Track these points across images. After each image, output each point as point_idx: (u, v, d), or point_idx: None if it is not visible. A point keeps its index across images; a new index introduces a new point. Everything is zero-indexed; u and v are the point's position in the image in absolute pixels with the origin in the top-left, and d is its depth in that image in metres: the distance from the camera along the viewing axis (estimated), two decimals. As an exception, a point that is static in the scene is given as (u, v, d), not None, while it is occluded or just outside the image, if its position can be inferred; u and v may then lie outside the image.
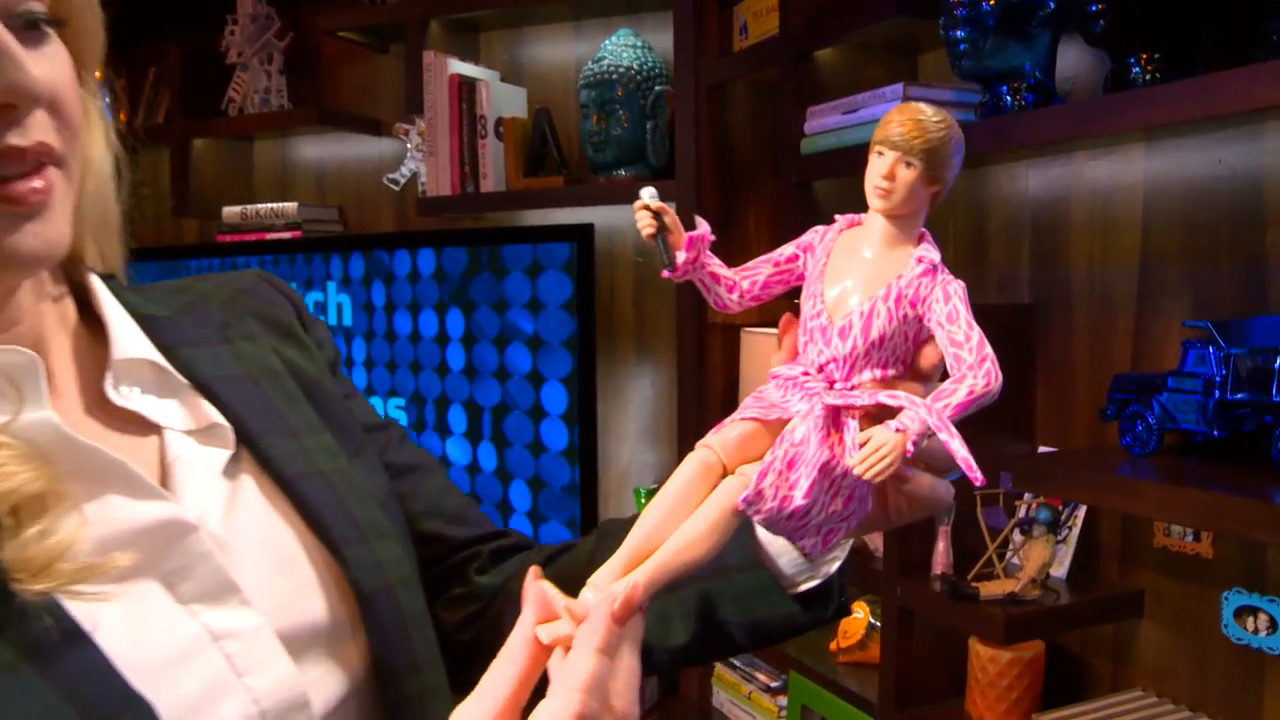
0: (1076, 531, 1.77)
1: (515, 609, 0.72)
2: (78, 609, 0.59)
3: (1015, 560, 1.72)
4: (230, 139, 3.21)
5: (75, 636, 0.59)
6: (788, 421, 0.63)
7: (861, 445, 0.59)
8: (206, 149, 3.17)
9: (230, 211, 3.08)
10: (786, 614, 0.79)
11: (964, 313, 0.62)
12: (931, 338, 0.64)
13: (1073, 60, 1.73)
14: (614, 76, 2.41)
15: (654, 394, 2.73)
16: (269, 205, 3.03)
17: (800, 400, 0.63)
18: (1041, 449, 1.83)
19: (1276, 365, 1.33)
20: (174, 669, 0.63)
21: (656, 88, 2.42)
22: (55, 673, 0.57)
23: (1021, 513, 1.73)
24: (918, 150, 0.62)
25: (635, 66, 2.42)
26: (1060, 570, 1.76)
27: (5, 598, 0.56)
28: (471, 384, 2.62)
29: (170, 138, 3.09)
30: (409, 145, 2.93)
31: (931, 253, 0.64)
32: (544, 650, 0.61)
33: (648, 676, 0.89)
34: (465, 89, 2.61)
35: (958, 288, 0.63)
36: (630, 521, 0.74)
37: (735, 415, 0.65)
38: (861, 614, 2.09)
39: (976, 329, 0.61)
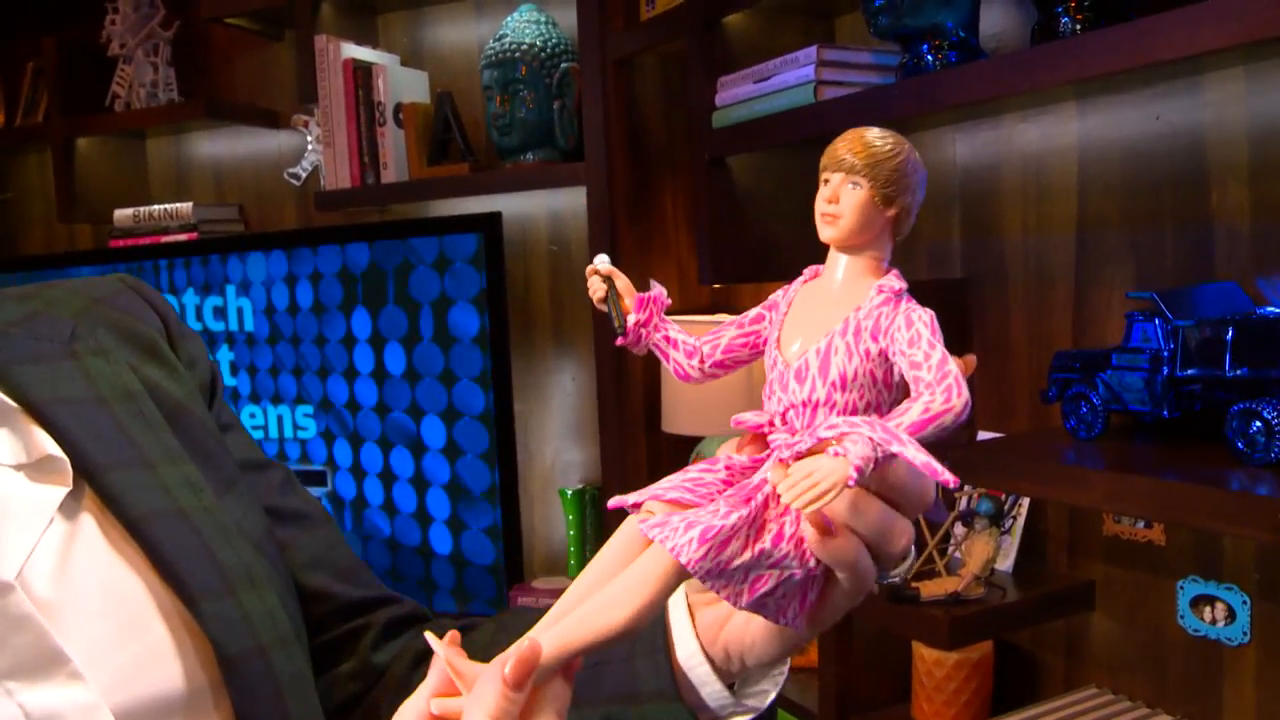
0: (1021, 521, 1.65)
1: (393, 699, 0.63)
2: None
3: (958, 556, 1.60)
4: (118, 137, 3.01)
5: None
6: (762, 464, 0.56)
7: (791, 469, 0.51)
8: (93, 148, 2.97)
9: (122, 214, 2.90)
10: None
11: (926, 335, 0.54)
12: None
13: (998, 15, 1.61)
14: (516, 55, 2.26)
15: (575, 389, 2.59)
16: (163, 206, 2.85)
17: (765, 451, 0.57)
18: (981, 435, 1.71)
19: (1228, 337, 1.21)
20: None
21: (562, 65, 2.28)
22: None
23: (962, 505, 1.61)
24: (863, 168, 0.56)
25: (539, 44, 2.27)
26: (1005, 563, 1.64)
27: None
28: (381, 387, 2.46)
29: (51, 137, 2.89)
30: (309, 137, 2.76)
31: (895, 282, 0.57)
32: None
33: None
34: (361, 74, 2.45)
35: (922, 314, 0.55)
36: (538, 614, 0.65)
37: (699, 466, 0.58)
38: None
39: (939, 348, 0.53)
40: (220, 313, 2.66)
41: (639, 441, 2.26)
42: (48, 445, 0.63)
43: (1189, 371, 1.25)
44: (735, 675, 0.65)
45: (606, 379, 2.23)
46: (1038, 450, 1.39)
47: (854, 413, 0.55)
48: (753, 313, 0.62)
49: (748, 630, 0.62)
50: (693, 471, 0.57)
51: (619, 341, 0.62)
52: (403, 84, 2.51)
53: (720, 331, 0.62)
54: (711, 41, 1.88)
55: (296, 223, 2.90)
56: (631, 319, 0.61)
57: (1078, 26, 1.31)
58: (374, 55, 2.52)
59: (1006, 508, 1.63)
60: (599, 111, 2.19)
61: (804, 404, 0.56)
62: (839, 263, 0.58)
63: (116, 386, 0.70)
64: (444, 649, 0.52)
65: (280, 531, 0.78)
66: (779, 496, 0.52)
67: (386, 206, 2.62)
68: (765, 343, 0.61)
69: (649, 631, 0.66)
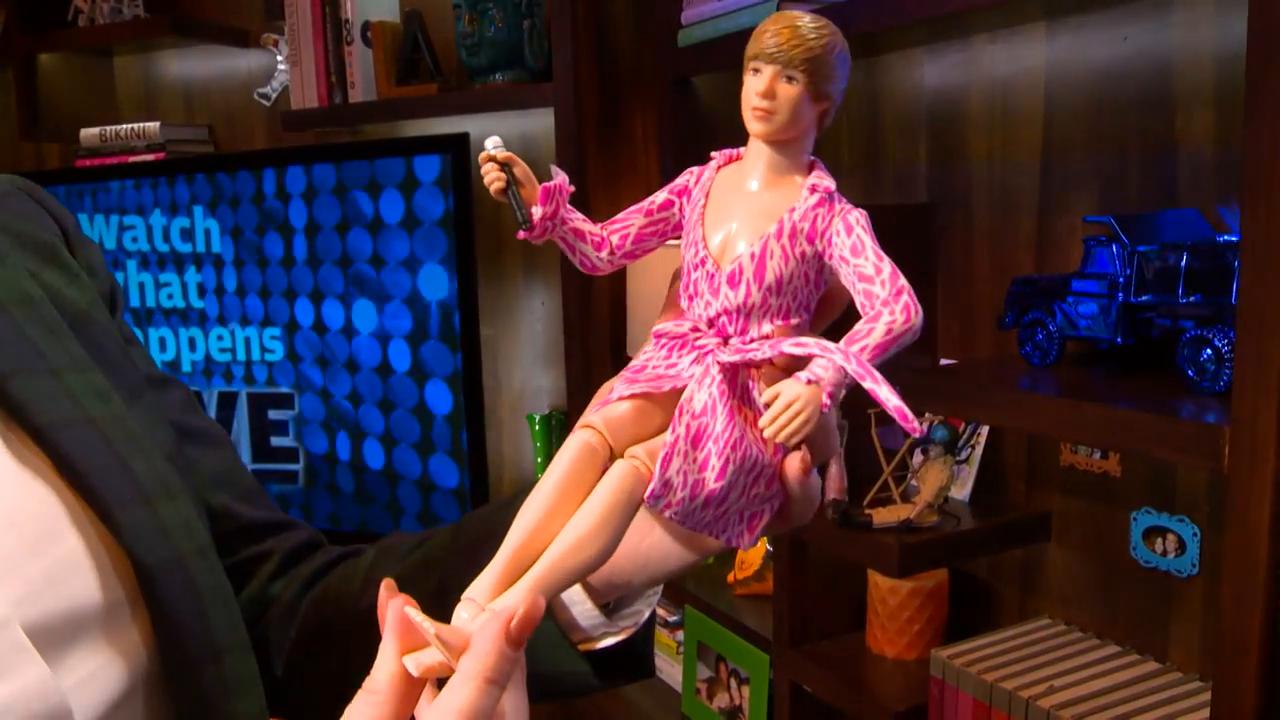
0: (979, 451, 1.64)
1: (282, 625, 0.65)
2: None
3: (914, 484, 1.58)
4: (83, 54, 2.95)
5: None
6: (682, 391, 0.53)
7: (768, 404, 0.50)
8: (57, 65, 2.91)
9: (89, 134, 2.85)
10: (574, 673, 0.65)
11: (870, 244, 0.53)
12: (831, 283, 0.56)
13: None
14: (485, -28, 2.21)
15: (545, 314, 2.56)
16: (129, 126, 2.80)
17: (692, 363, 0.54)
18: (944, 361, 1.69)
19: (1183, 263, 1.19)
20: None
21: (531, -18, 2.22)
22: None
23: (924, 430, 1.60)
24: (799, 61, 0.53)
25: (508, -40, 2.22)
26: (963, 493, 1.63)
27: None
28: (349, 310, 2.43)
29: (11, 54, 2.83)
30: (279, 57, 2.71)
31: (825, 180, 0.55)
32: (413, 685, 0.48)
33: None
34: (329, -12, 2.39)
35: (859, 216, 0.54)
36: (416, 540, 0.63)
37: (618, 387, 0.54)
38: (760, 543, 1.96)
39: (887, 260, 0.52)
40: (187, 234, 2.62)
41: (605, 366, 2.24)
42: None
43: (1144, 298, 1.23)
44: (609, 598, 0.64)
45: (572, 303, 2.21)
46: (993, 377, 1.37)
47: (785, 314, 0.54)
48: (660, 197, 0.59)
49: (634, 557, 0.60)
50: (631, 368, 0.55)
51: (522, 235, 0.58)
52: (371, 1, 2.45)
53: (628, 219, 0.59)
54: (679, -44, 1.83)
55: (267, 143, 2.85)
56: (537, 211, 0.57)
57: (1043, -59, 1.28)
58: (343, -32, 2.46)
59: (965, 436, 1.62)
60: (568, 31, 2.14)
61: (738, 309, 0.54)
62: (763, 155, 0.56)
63: (15, 291, 0.65)
64: (410, 610, 0.49)
65: (184, 449, 0.75)
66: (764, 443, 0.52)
67: (355, 127, 2.58)
68: (674, 229, 0.59)
69: None
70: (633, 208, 0.59)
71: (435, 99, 2.33)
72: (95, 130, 2.83)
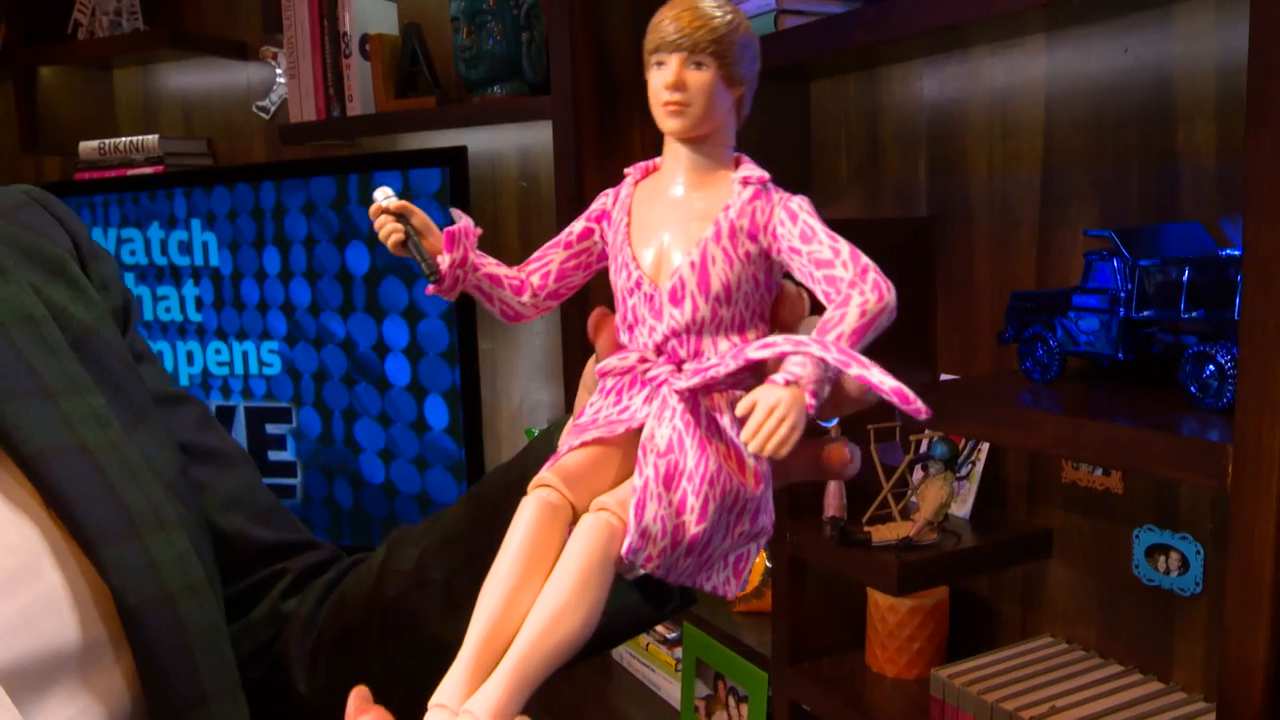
0: (980, 468, 1.62)
1: (301, 639, 0.64)
2: None
3: (914, 500, 1.56)
4: (83, 67, 2.95)
5: None
6: (641, 430, 0.47)
7: (745, 417, 0.43)
8: (57, 78, 2.91)
9: (87, 146, 2.84)
10: (625, 608, 0.63)
11: (820, 227, 0.48)
12: (782, 285, 0.51)
13: (967, -56, 1.55)
14: (484, -15, 2.20)
15: (544, 329, 2.54)
16: (128, 139, 2.79)
17: (645, 400, 0.48)
18: (944, 377, 1.67)
19: (1185, 278, 1.17)
20: None
21: (530, -5, 2.22)
22: None
23: (923, 448, 1.58)
24: (705, 44, 0.49)
25: (506, -28, 2.21)
26: (964, 510, 1.61)
27: None
28: (347, 323, 2.42)
29: (11, 66, 2.82)
30: (278, 70, 2.70)
31: (756, 171, 0.50)
32: None
33: None
34: (326, 4, 2.39)
35: (801, 202, 0.49)
36: (427, 523, 0.61)
37: (566, 441, 0.48)
38: (759, 559, 1.95)
39: (843, 240, 0.47)
40: (185, 247, 2.61)
41: (603, 382, 2.22)
42: None
43: (1145, 313, 1.21)
44: None
45: (571, 317, 2.19)
46: (993, 393, 1.36)
47: (741, 327, 0.49)
48: (578, 227, 0.55)
49: None
50: (581, 419, 0.50)
51: (430, 289, 0.52)
52: (369, 15, 2.44)
53: (545, 256, 0.55)
54: (677, -30, 1.82)
55: (265, 156, 2.85)
56: (445, 260, 0.52)
57: (1043, -48, 1.26)
58: (342, -17, 2.46)
59: (966, 453, 1.60)
60: (566, 45, 2.13)
61: (687, 328, 0.49)
62: (681, 157, 0.51)
63: (15, 309, 0.64)
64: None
65: (195, 470, 0.74)
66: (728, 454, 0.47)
67: (353, 140, 2.57)
68: (600, 259, 0.54)
69: None
70: (549, 243, 0.55)
71: (433, 112, 2.32)
72: (94, 143, 2.82)
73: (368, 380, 2.42)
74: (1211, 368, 1.10)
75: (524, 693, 0.42)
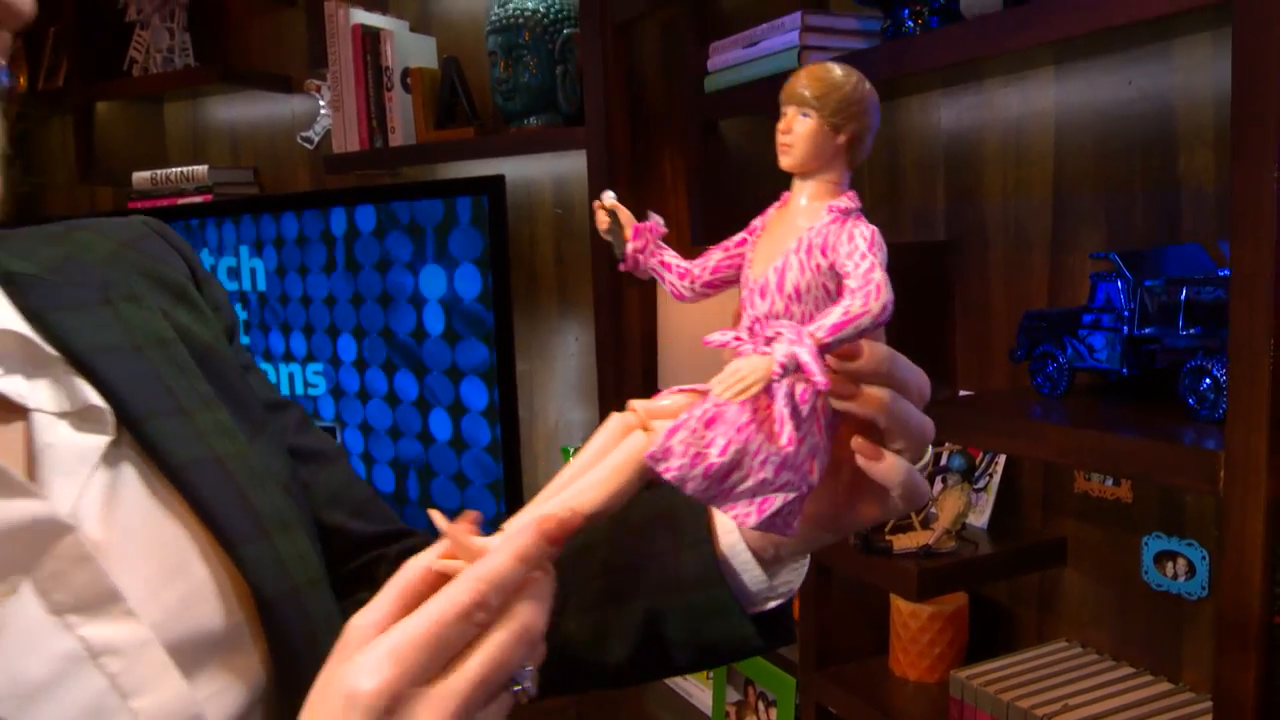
0: (997, 479, 1.69)
1: None
2: None
3: (934, 511, 1.64)
4: (137, 101, 3.08)
5: None
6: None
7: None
8: (112, 112, 3.04)
9: (140, 177, 2.96)
10: (742, 637, 0.71)
11: (862, 246, 0.58)
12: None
13: (980, -18, 1.64)
14: (520, 21, 2.30)
15: (579, 349, 2.64)
16: (179, 169, 2.91)
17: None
18: (962, 393, 1.75)
19: (1182, 297, 1.25)
20: (47, 693, 0.55)
21: (564, 31, 2.31)
22: None
23: (942, 461, 1.65)
24: (811, 99, 0.60)
25: (541, 10, 2.31)
26: (981, 520, 1.69)
27: None
28: (389, 345, 2.52)
29: (71, 101, 2.95)
30: (321, 102, 2.81)
31: (846, 203, 0.61)
32: (439, 579, 0.54)
33: (567, 694, 0.81)
34: (369, 40, 2.50)
35: (864, 229, 0.59)
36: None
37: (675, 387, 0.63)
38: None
39: (870, 258, 0.57)
40: (234, 273, 2.72)
41: (638, 398, 2.30)
42: (90, 395, 0.66)
43: (1147, 331, 1.29)
44: (769, 564, 0.70)
45: (606, 339, 2.28)
46: (1006, 407, 1.43)
47: (808, 322, 0.58)
48: (737, 237, 0.67)
49: None
50: (669, 396, 0.62)
51: (620, 267, 0.68)
52: (410, 49, 2.55)
53: (709, 254, 0.68)
54: (705, 7, 1.91)
55: (310, 185, 2.96)
56: (630, 246, 0.67)
57: (1049, -8, 1.34)
58: (383, 21, 2.56)
59: (983, 465, 1.67)
60: (599, 77, 2.23)
61: (766, 316, 0.61)
62: (799, 188, 0.63)
63: (150, 333, 0.72)
64: (448, 524, 0.56)
65: (300, 470, 0.82)
66: (777, 436, 0.57)
67: (395, 169, 2.67)
68: (742, 267, 0.67)
69: (693, 524, 0.72)
70: (717, 245, 0.68)
71: (472, 142, 2.42)
72: (146, 174, 2.94)
73: (409, 400, 2.51)
74: (1208, 381, 1.18)
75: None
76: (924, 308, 1.76)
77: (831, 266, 0.59)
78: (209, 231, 2.73)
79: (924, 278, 1.75)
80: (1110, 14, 1.16)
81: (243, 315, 2.72)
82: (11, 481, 0.58)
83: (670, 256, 0.69)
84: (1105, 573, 1.58)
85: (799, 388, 0.57)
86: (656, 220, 0.68)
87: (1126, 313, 1.30)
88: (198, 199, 2.88)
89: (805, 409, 0.57)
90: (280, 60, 2.94)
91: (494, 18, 2.34)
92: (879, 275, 0.56)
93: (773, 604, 0.71)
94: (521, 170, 2.56)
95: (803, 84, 0.61)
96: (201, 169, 2.88)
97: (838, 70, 0.61)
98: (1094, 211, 1.54)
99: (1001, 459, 1.68)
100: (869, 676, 1.75)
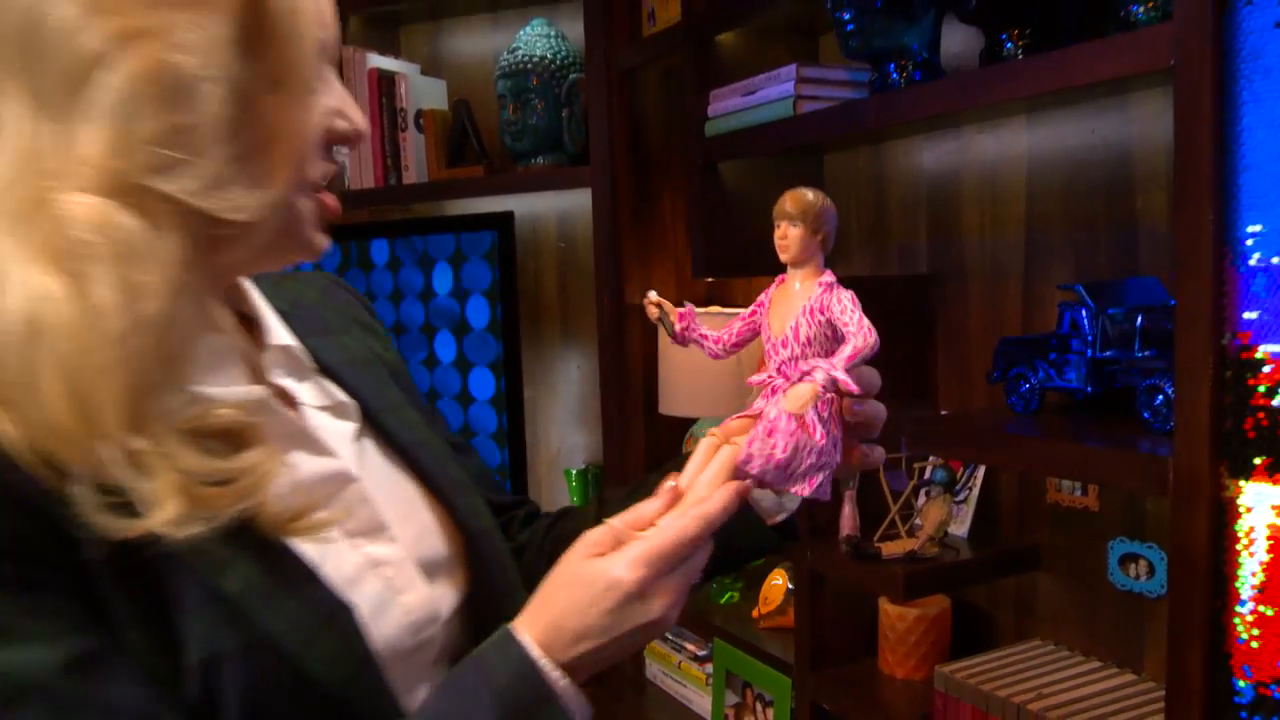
0: (976, 492, 1.84)
1: (535, 560, 1.04)
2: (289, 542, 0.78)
3: (918, 522, 1.79)
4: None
5: (297, 561, 0.78)
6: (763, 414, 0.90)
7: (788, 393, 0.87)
8: None
9: None
10: (763, 542, 1.01)
11: (849, 305, 0.89)
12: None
13: (958, 37, 1.79)
14: (529, 66, 2.45)
15: (580, 377, 2.78)
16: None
17: (771, 394, 0.91)
18: (943, 412, 1.90)
19: (1138, 324, 1.40)
20: (351, 588, 0.81)
21: (570, 76, 2.46)
22: (295, 588, 0.77)
23: (925, 474, 1.80)
24: (797, 215, 0.92)
25: (549, 56, 2.46)
26: (962, 529, 1.83)
27: (244, 533, 0.73)
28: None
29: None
30: (334, 140, 2.95)
31: (830, 278, 0.92)
32: (677, 497, 0.85)
33: None
34: (385, 83, 2.64)
35: (847, 295, 0.91)
36: (623, 495, 1.00)
37: (737, 415, 0.93)
38: (781, 580, 2.16)
39: (857, 311, 0.89)
40: (251, 303, 2.86)
41: (638, 423, 2.45)
42: (340, 395, 0.93)
43: (1108, 353, 1.44)
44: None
45: (609, 366, 2.43)
46: (984, 424, 1.58)
47: (820, 358, 0.90)
48: (749, 309, 0.98)
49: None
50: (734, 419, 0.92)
51: (673, 340, 1.01)
52: (423, 92, 2.70)
53: (732, 325, 0.99)
54: (705, 57, 2.07)
55: (322, 220, 3.09)
56: (678, 327, 1.00)
57: (1019, 51, 1.50)
58: (397, 65, 2.71)
59: (963, 479, 1.82)
60: (604, 119, 2.38)
61: (789, 360, 0.91)
62: (794, 274, 0.94)
63: (364, 355, 1.00)
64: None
65: (454, 457, 1.08)
66: (812, 434, 0.85)
67: (408, 205, 2.81)
68: (760, 327, 0.97)
69: None
70: (736, 316, 0.99)
71: (481, 180, 2.57)
72: None
73: (421, 423, 2.65)
74: (1161, 398, 1.33)
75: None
76: (908, 335, 1.91)
77: (829, 320, 0.89)
78: (228, 263, 2.87)
79: (908, 307, 1.91)
80: (1072, 75, 1.32)
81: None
82: (319, 445, 0.86)
83: (707, 329, 1.01)
84: (1075, 575, 1.72)
85: (819, 402, 0.84)
86: (690, 307, 1.00)
87: (1090, 338, 1.46)
88: (216, 232, 3.01)
89: (826, 414, 0.84)
90: (295, 101, 3.08)
91: (504, 63, 2.49)
92: (866, 320, 0.87)
93: (784, 516, 0.94)
94: (526, 206, 2.70)
95: (789, 205, 0.92)
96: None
97: (809, 193, 0.93)
98: (1062, 247, 1.70)
99: (980, 474, 1.83)
100: (860, 676, 1.89)
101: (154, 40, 0.68)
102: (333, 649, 0.77)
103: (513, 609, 0.82)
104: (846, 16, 1.67)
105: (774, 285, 0.96)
